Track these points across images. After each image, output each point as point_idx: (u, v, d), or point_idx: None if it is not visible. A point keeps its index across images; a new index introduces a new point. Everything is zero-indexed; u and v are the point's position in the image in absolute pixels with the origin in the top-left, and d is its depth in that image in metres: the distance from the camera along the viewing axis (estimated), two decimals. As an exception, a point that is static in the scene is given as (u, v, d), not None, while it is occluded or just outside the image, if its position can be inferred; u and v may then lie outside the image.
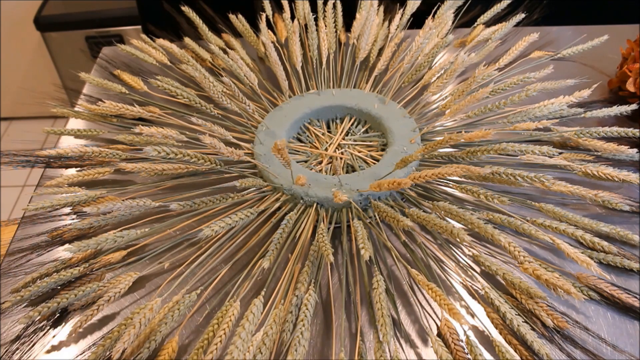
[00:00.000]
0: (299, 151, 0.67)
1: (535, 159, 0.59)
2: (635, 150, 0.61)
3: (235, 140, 0.64)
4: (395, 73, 0.74)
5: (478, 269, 0.53)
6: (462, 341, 0.46)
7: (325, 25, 0.77)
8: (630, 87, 0.71)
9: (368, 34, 0.75)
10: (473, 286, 0.51)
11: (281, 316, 0.47)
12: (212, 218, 0.57)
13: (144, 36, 0.80)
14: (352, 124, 0.71)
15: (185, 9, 0.79)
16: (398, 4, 0.81)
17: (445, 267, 0.54)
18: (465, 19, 0.81)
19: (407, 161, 0.57)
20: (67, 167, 0.65)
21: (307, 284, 0.49)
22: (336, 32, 0.79)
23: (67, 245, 0.51)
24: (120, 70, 0.76)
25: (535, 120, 0.65)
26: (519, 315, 0.47)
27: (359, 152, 0.67)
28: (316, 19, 0.78)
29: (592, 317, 0.49)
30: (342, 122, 0.71)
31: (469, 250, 0.54)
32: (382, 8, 0.82)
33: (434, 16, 0.79)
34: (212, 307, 0.51)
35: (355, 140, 0.68)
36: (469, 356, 0.45)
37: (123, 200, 0.55)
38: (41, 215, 0.59)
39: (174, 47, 0.77)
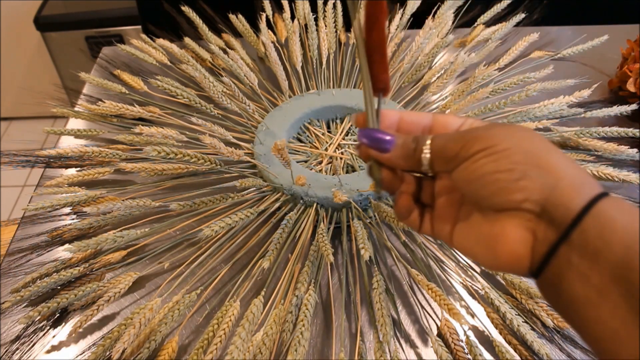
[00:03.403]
0: (299, 151, 0.67)
1: (535, 159, 0.58)
2: (635, 150, 0.61)
3: (235, 140, 0.64)
4: (395, 73, 0.74)
5: (478, 269, 0.53)
6: (462, 341, 0.46)
7: (325, 25, 0.77)
8: (630, 87, 0.71)
9: (368, 34, 0.75)
10: (473, 286, 0.51)
11: (281, 316, 0.47)
12: (212, 218, 0.57)
13: (144, 36, 0.80)
14: (352, 124, 0.71)
15: (185, 9, 0.79)
16: (398, 4, 0.81)
17: (445, 267, 0.54)
18: (465, 19, 0.81)
19: (407, 161, 0.57)
20: (67, 167, 0.65)
21: (307, 284, 0.49)
22: (336, 32, 0.79)
23: (67, 245, 0.51)
24: (120, 70, 0.76)
25: (535, 120, 0.65)
26: (519, 315, 0.47)
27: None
28: (316, 19, 0.78)
29: (592, 317, 0.49)
30: (342, 122, 0.71)
31: (469, 250, 0.54)
32: (382, 8, 0.82)
33: (434, 16, 0.79)
34: (212, 307, 0.51)
35: (355, 140, 0.68)
36: (469, 356, 0.45)
37: (123, 200, 0.55)
38: (41, 215, 0.59)
39: (174, 47, 0.77)
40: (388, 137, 0.33)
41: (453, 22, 0.78)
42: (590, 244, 0.26)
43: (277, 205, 0.59)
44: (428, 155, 0.31)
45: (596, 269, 0.25)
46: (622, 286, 0.24)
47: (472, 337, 0.46)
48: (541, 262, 0.28)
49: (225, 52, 0.76)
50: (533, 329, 0.46)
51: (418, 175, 0.36)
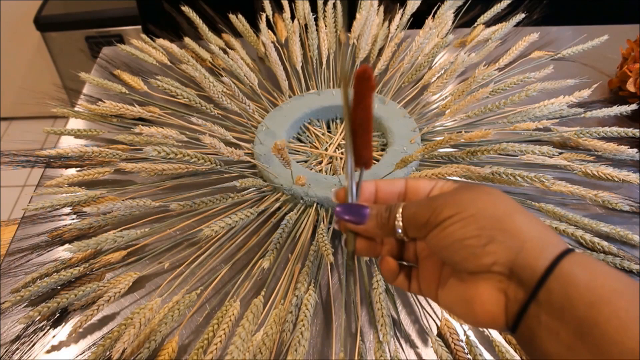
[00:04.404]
0: (299, 151, 0.67)
1: (535, 159, 0.59)
2: (635, 150, 0.60)
3: (235, 140, 0.64)
4: (395, 73, 0.74)
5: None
6: (462, 341, 0.46)
7: (325, 25, 0.77)
8: (630, 87, 0.71)
9: (368, 34, 0.75)
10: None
11: (281, 316, 0.47)
12: (212, 218, 0.57)
13: (144, 36, 0.80)
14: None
15: (185, 9, 0.79)
16: (398, 4, 0.81)
17: (445, 267, 0.54)
18: (465, 19, 0.81)
19: (407, 161, 0.58)
20: (67, 167, 0.65)
21: (307, 284, 0.49)
22: (336, 32, 0.79)
23: (67, 245, 0.51)
24: (120, 70, 0.76)
25: (535, 120, 0.65)
26: (519, 315, 0.47)
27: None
28: (316, 19, 0.78)
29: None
30: (342, 122, 0.71)
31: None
32: (382, 8, 0.82)
33: (434, 16, 0.79)
34: (212, 307, 0.51)
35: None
36: (469, 356, 0.45)
37: (123, 200, 0.55)
38: (41, 215, 0.59)
39: (174, 47, 0.77)
40: (363, 210, 0.34)
41: (453, 22, 0.78)
42: (556, 302, 0.27)
43: (277, 205, 0.59)
44: (401, 223, 0.33)
45: (563, 326, 0.27)
46: (589, 342, 0.26)
47: (472, 337, 0.46)
48: (514, 320, 0.29)
49: (225, 52, 0.76)
50: (533, 329, 0.46)
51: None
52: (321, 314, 0.50)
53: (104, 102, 0.65)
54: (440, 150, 0.62)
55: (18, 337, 0.49)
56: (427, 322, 0.49)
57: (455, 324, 0.48)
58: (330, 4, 0.79)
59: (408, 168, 0.61)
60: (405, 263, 0.37)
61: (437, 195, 0.33)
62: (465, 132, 0.63)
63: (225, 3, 0.82)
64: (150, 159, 0.58)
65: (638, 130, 0.63)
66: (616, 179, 0.57)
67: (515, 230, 0.29)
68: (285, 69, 0.74)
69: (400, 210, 0.33)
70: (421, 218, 0.32)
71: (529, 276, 0.28)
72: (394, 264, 0.36)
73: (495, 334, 0.47)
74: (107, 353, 0.45)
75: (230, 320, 0.46)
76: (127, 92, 0.71)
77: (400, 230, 0.33)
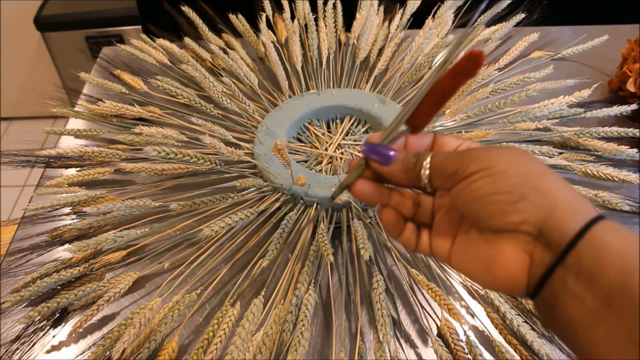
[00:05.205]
0: (299, 151, 0.67)
1: (535, 159, 0.58)
2: (635, 150, 0.61)
3: (235, 140, 0.64)
4: (395, 73, 0.74)
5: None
6: (462, 341, 0.46)
7: (325, 25, 0.77)
8: (630, 87, 0.71)
9: (368, 34, 0.75)
10: (473, 286, 0.51)
11: (281, 316, 0.47)
12: (212, 218, 0.57)
13: (144, 36, 0.80)
14: (352, 124, 0.71)
15: (185, 9, 0.79)
16: (398, 4, 0.81)
17: (445, 267, 0.54)
18: (465, 19, 0.81)
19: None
20: (67, 167, 0.65)
21: (307, 284, 0.49)
22: (336, 32, 0.79)
23: (67, 245, 0.51)
24: (120, 70, 0.76)
25: (535, 120, 0.65)
26: (519, 315, 0.47)
27: (359, 152, 0.67)
28: (316, 19, 0.78)
29: (592, 317, 0.49)
30: (342, 122, 0.71)
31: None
32: (382, 8, 0.82)
33: (434, 16, 0.79)
34: (212, 307, 0.51)
35: (355, 140, 0.68)
36: (469, 356, 0.45)
37: (123, 200, 0.55)
38: (41, 215, 0.59)
39: (174, 47, 0.77)
40: (391, 152, 0.34)
41: (453, 22, 0.78)
42: (585, 268, 0.26)
43: (277, 205, 0.59)
44: (427, 172, 0.32)
45: (591, 292, 0.26)
46: (617, 310, 0.25)
47: (472, 337, 0.46)
48: (537, 283, 0.28)
49: (225, 52, 0.76)
50: (533, 329, 0.46)
51: (418, 191, 0.36)
52: (321, 314, 0.50)
53: (104, 102, 0.65)
54: (440, 150, 0.62)
55: (18, 337, 0.49)
56: (427, 322, 0.49)
57: (455, 324, 0.48)
58: (330, 4, 0.79)
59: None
60: (415, 223, 0.36)
61: (468, 149, 0.32)
62: (465, 132, 0.63)
63: (225, 3, 0.82)
64: (150, 159, 0.58)
65: (638, 130, 0.63)
66: (616, 179, 0.57)
67: (548, 191, 0.28)
68: (285, 69, 0.74)
69: (429, 158, 0.32)
70: (449, 168, 0.31)
71: (558, 239, 0.27)
72: (396, 217, 0.35)
73: (495, 334, 0.47)
74: (107, 353, 0.45)
75: (230, 320, 0.46)
76: (127, 92, 0.71)
77: (425, 178, 0.32)
